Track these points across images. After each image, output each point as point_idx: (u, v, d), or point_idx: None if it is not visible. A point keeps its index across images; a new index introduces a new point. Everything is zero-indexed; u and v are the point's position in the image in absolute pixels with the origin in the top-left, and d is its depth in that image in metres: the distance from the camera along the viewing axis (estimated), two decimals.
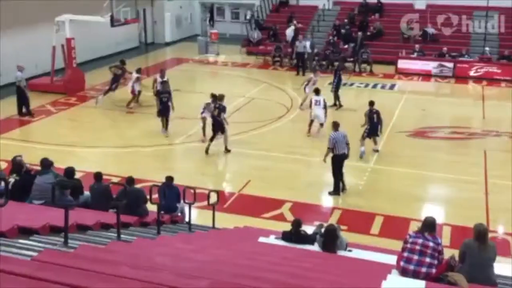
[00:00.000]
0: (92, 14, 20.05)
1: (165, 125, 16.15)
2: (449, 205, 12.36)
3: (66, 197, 8.55)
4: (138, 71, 19.11)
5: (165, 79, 17.55)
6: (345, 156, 12.49)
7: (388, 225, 11.15)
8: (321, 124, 16.29)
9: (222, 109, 14.88)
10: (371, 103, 15.12)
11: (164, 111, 16.04)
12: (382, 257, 7.71)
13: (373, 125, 14.77)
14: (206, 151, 14.72)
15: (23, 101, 17.81)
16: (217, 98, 15.29)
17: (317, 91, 16.61)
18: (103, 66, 23.89)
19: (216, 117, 14.74)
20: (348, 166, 14.17)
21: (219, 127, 14.78)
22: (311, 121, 16.28)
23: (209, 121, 15.29)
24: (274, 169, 13.69)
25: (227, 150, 14.93)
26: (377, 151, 15.04)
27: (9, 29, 20.67)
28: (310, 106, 16.43)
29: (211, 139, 14.89)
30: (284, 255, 7.29)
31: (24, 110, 17.83)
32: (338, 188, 12.60)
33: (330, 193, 12.62)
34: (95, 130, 16.81)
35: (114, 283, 4.09)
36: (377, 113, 14.90)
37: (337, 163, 12.48)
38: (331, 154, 12.46)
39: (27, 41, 21.29)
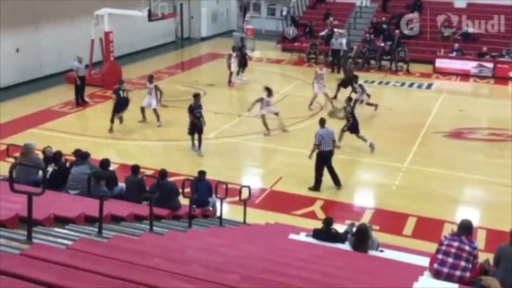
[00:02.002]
0: (131, 8, 20.34)
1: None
2: (484, 208, 12.11)
3: (101, 188, 8.71)
4: (233, 49, 21.61)
5: (153, 83, 16.54)
6: (331, 153, 12.48)
7: (421, 227, 10.98)
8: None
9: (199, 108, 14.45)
10: (350, 99, 15.51)
11: (199, 128, 14.48)
12: (414, 258, 7.61)
13: (355, 121, 14.73)
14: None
15: (80, 90, 18.43)
16: (270, 92, 15.96)
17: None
18: (139, 60, 24.24)
19: (199, 118, 14.28)
20: (381, 166, 14.11)
21: (199, 128, 14.36)
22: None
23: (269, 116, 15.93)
24: (306, 166, 13.59)
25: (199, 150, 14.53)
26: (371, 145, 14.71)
27: (49, 23, 21.15)
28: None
29: (193, 140, 14.56)
30: (314, 252, 7.27)
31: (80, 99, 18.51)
32: (319, 184, 12.50)
33: (310, 188, 12.52)
34: (130, 123, 17.03)
35: (146, 274, 4.15)
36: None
37: (322, 159, 12.45)
38: (317, 150, 12.43)
39: (66, 34, 21.74)
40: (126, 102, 16.18)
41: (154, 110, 16.38)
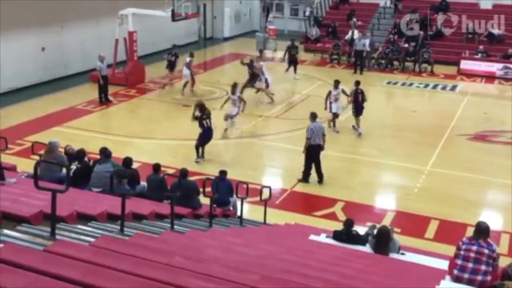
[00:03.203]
0: (154, 8, 20.49)
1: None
2: (508, 212, 11.87)
3: (124, 186, 8.79)
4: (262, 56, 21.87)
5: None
6: (320, 147, 12.72)
7: (443, 230, 10.86)
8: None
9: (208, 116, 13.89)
10: (357, 83, 16.14)
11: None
12: (436, 262, 7.55)
13: (358, 104, 15.83)
14: (198, 157, 13.82)
15: (103, 89, 18.63)
16: (233, 88, 15.55)
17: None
18: (163, 60, 24.37)
19: (209, 127, 13.80)
20: (404, 168, 14.01)
21: (209, 137, 13.96)
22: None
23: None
24: (327, 167, 13.55)
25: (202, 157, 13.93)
26: (359, 134, 15.87)
27: (75, 22, 21.43)
28: None
29: (198, 151, 13.84)
30: (334, 254, 7.25)
31: (103, 98, 18.74)
32: (307, 176, 12.87)
33: (299, 180, 12.87)
34: (152, 122, 17.19)
35: (167, 272, 4.18)
36: (362, 93, 15.87)
37: (312, 153, 12.71)
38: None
39: (91, 33, 22.02)
40: (172, 65, 20.13)
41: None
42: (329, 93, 16.22)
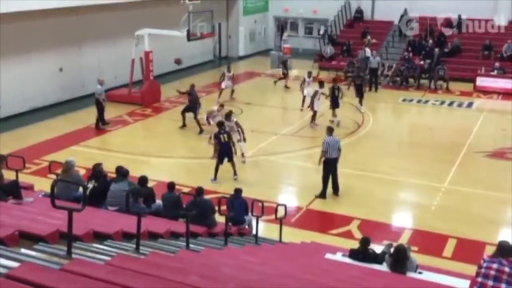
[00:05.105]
0: (170, 28, 20.73)
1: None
2: None
3: (139, 205, 8.83)
4: (309, 74, 21.22)
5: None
6: (336, 161, 12.91)
7: (462, 248, 10.71)
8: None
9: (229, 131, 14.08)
10: (334, 80, 19.56)
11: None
12: (454, 281, 7.43)
13: (334, 99, 18.21)
14: (215, 178, 13.73)
15: (99, 113, 18.06)
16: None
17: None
18: (178, 79, 24.58)
19: (226, 142, 13.74)
20: (420, 186, 13.90)
21: (227, 152, 13.83)
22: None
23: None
24: (343, 185, 13.50)
25: (235, 175, 13.92)
26: (337, 123, 17.76)
27: (92, 43, 21.77)
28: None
29: (216, 168, 13.73)
30: (350, 273, 7.18)
31: (100, 123, 18.06)
32: (325, 192, 12.95)
33: (316, 196, 12.92)
34: (168, 141, 17.29)
35: None
36: (339, 89, 18.50)
37: (329, 166, 12.87)
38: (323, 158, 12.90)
39: (108, 54, 22.35)
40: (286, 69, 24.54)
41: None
42: (316, 92, 18.16)
